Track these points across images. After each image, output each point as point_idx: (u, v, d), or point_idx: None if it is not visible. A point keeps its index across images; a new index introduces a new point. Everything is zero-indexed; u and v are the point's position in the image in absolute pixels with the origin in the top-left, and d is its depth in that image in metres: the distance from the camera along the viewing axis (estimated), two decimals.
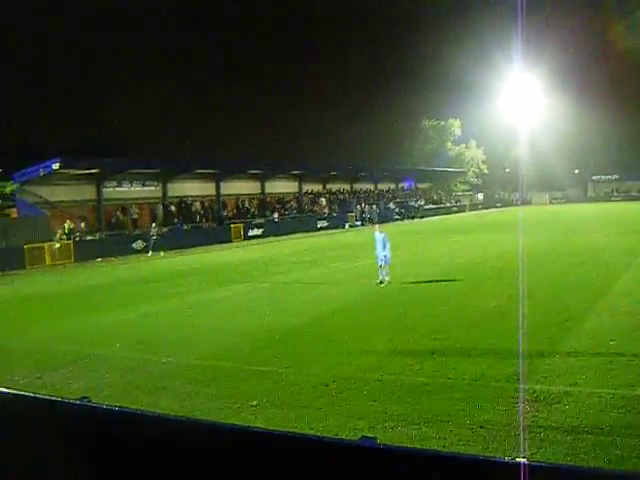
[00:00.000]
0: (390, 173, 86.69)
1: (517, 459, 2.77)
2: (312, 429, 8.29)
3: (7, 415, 7.18)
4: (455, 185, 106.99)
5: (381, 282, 22.22)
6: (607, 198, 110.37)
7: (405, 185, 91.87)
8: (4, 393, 7.28)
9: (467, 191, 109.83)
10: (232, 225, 56.19)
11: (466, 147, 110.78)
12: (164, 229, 52.26)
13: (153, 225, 46.05)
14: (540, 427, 8.39)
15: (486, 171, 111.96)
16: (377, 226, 24.35)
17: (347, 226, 65.59)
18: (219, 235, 53.54)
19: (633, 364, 11.02)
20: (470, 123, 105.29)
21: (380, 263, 22.52)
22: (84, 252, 42.57)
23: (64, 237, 43.01)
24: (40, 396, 7.19)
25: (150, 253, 43.92)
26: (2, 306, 23.57)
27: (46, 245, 40.97)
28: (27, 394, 7.21)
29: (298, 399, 9.89)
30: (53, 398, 7.02)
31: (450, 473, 3.50)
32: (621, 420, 8.50)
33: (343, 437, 7.38)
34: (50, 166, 43.67)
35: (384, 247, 22.23)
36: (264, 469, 5.09)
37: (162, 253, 43.82)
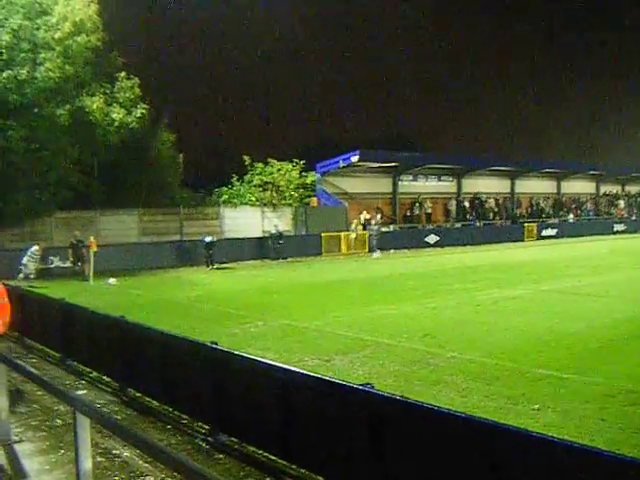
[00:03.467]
0: None
1: None
2: (592, 441, 7.99)
3: (290, 392, 7.76)
4: None
5: None
6: None
7: None
8: (293, 371, 7.87)
9: None
10: (525, 224, 55.28)
11: None
12: (457, 224, 52.64)
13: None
14: None
15: None
16: None
17: None
18: (512, 233, 52.96)
19: None
20: None
21: None
22: (379, 243, 44.03)
23: (360, 227, 44.75)
24: (322, 377, 7.68)
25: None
26: (302, 290, 25.18)
27: (342, 234, 42.96)
28: (311, 374, 7.73)
29: (580, 407, 9.56)
30: (337, 381, 7.47)
31: None
32: None
33: (625, 454, 7.05)
34: (349, 158, 45.72)
35: None
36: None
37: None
